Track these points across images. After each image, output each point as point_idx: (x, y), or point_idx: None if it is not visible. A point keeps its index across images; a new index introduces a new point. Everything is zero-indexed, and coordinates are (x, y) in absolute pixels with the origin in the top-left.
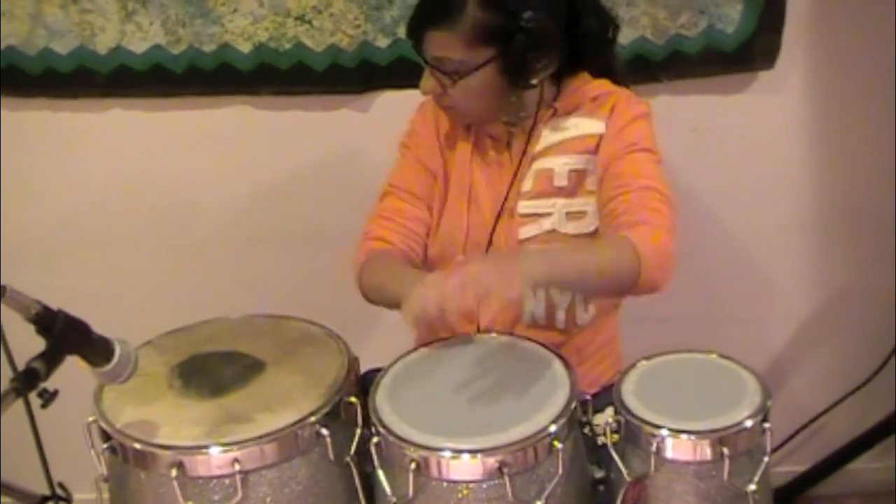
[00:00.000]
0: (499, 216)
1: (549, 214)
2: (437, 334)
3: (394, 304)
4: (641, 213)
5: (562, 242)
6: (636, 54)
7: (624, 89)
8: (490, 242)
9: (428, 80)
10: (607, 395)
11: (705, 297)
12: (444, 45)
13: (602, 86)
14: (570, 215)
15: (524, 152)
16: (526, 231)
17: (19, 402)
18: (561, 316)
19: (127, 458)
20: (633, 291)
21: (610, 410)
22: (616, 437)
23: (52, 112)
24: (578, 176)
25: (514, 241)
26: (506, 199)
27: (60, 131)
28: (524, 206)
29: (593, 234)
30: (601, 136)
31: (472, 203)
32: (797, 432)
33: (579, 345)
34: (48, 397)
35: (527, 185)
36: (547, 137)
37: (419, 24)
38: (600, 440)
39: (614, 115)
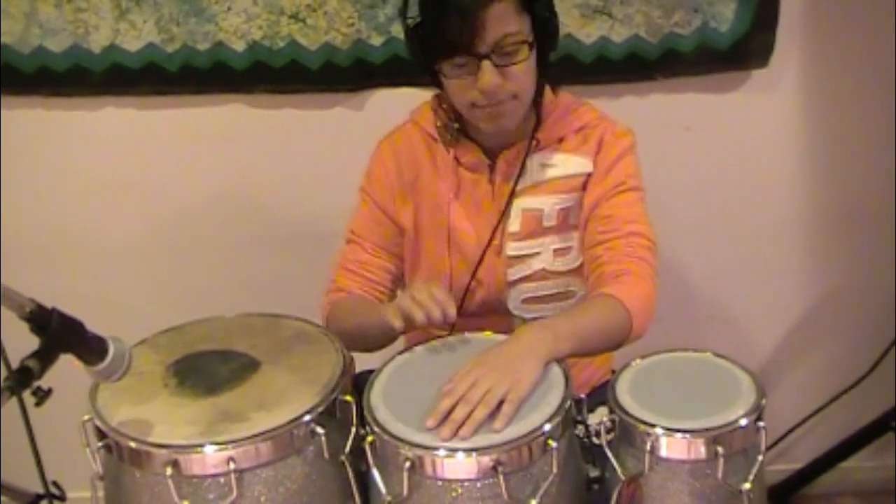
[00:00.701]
0: (483, 254)
1: (538, 254)
2: (430, 334)
3: (369, 338)
4: (627, 262)
5: (553, 279)
6: (630, 53)
7: (606, 117)
8: (472, 279)
9: (491, 73)
10: (599, 395)
11: (700, 296)
12: (505, 18)
13: (585, 115)
14: (558, 252)
15: (511, 187)
16: (514, 273)
17: (13, 401)
18: None
19: (122, 457)
20: (623, 344)
21: (602, 410)
22: (610, 436)
23: (45, 110)
24: (565, 213)
25: (502, 282)
26: (492, 237)
27: (54, 130)
28: (512, 248)
29: (580, 269)
30: (589, 175)
31: (452, 246)
32: (792, 430)
33: None
34: (42, 395)
35: (514, 225)
36: (532, 174)
37: (477, 7)
38: (594, 440)
39: (602, 152)
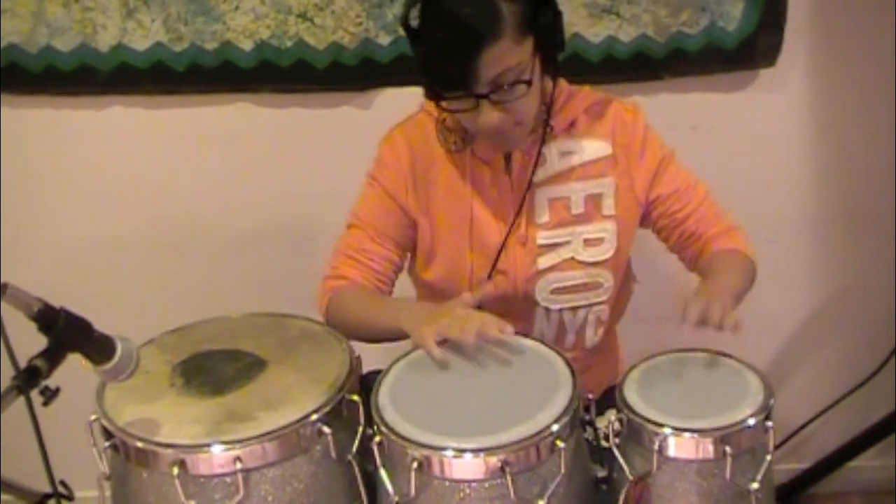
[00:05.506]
0: (503, 246)
1: (567, 243)
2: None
3: (373, 333)
4: (721, 220)
5: (582, 269)
6: (637, 52)
7: (610, 95)
8: (493, 270)
9: (490, 113)
10: (607, 399)
11: None
12: (502, 55)
13: (588, 95)
14: (588, 242)
15: (529, 177)
16: (544, 261)
17: (21, 400)
18: (570, 338)
19: (129, 457)
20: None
21: (610, 412)
22: (618, 438)
23: (53, 110)
24: (594, 200)
25: (530, 272)
26: (512, 227)
27: (61, 129)
28: (543, 237)
29: (610, 261)
30: (610, 157)
31: (474, 240)
32: (798, 430)
33: (580, 356)
34: (50, 395)
35: (542, 215)
36: (554, 163)
37: (470, 53)
38: (603, 443)
39: (625, 134)
